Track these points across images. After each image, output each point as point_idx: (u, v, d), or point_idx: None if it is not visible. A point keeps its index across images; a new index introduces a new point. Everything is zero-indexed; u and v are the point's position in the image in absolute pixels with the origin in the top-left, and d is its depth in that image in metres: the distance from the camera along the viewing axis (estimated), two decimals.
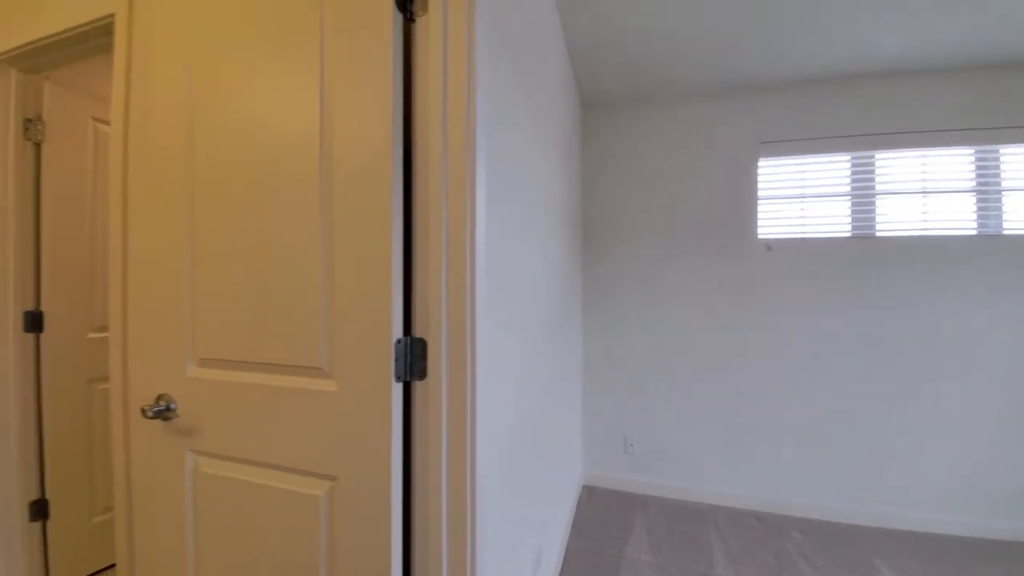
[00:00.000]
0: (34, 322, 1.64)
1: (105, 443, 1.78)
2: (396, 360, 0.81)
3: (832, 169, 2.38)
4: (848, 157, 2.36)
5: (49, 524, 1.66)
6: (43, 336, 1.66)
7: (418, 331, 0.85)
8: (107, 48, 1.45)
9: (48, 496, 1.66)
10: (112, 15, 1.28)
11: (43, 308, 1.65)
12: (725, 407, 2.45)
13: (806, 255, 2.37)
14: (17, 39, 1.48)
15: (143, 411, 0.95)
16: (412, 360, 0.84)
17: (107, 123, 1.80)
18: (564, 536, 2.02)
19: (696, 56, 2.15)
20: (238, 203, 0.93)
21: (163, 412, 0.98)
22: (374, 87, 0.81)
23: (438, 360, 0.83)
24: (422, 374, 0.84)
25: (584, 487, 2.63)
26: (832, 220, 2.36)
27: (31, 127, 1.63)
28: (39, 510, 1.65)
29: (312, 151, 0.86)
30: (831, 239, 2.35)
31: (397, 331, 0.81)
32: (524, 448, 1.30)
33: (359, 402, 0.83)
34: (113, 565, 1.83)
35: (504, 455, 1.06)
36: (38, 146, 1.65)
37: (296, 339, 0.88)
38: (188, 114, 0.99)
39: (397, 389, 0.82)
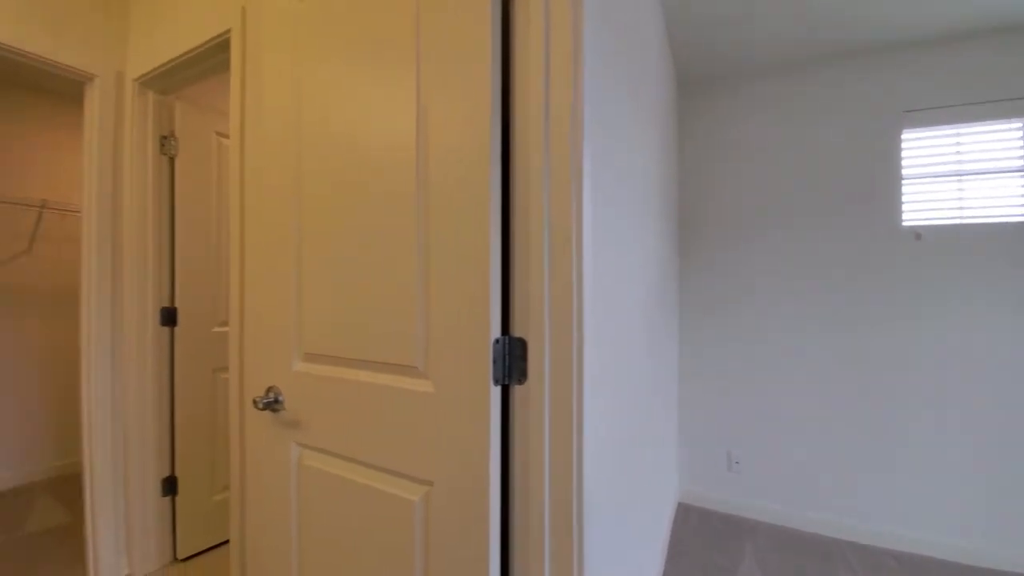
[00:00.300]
0: (169, 317, 1.85)
1: (225, 428, 1.96)
2: (494, 362, 0.74)
3: (998, 140, 1.93)
4: (1020, 124, 1.91)
5: (177, 500, 1.85)
6: (176, 330, 1.86)
7: (517, 330, 0.77)
8: (226, 65, 1.58)
9: (177, 474, 1.85)
10: (229, 30, 1.39)
11: (176, 304, 1.85)
12: (854, 423, 2.10)
13: (965, 244, 1.95)
14: (151, 63, 1.67)
15: (255, 402, 0.99)
16: (511, 361, 0.77)
17: (227, 136, 1.98)
18: (661, 558, 1.84)
19: (818, 9, 1.84)
20: (340, 207, 0.94)
21: (272, 404, 1.02)
22: (472, 80, 0.75)
23: (540, 362, 0.75)
24: (522, 376, 0.76)
25: (680, 505, 2.42)
26: (999, 201, 1.92)
27: (166, 143, 1.84)
28: (170, 486, 1.85)
29: (409, 150, 0.83)
30: (997, 224, 1.91)
31: (495, 330, 0.74)
32: (623, 459, 1.18)
33: (455, 405, 0.77)
34: (227, 541, 2.02)
35: (605, 466, 0.95)
36: (172, 160, 1.86)
37: (393, 337, 0.85)
38: (295, 123, 1.02)
39: (495, 393, 0.75)
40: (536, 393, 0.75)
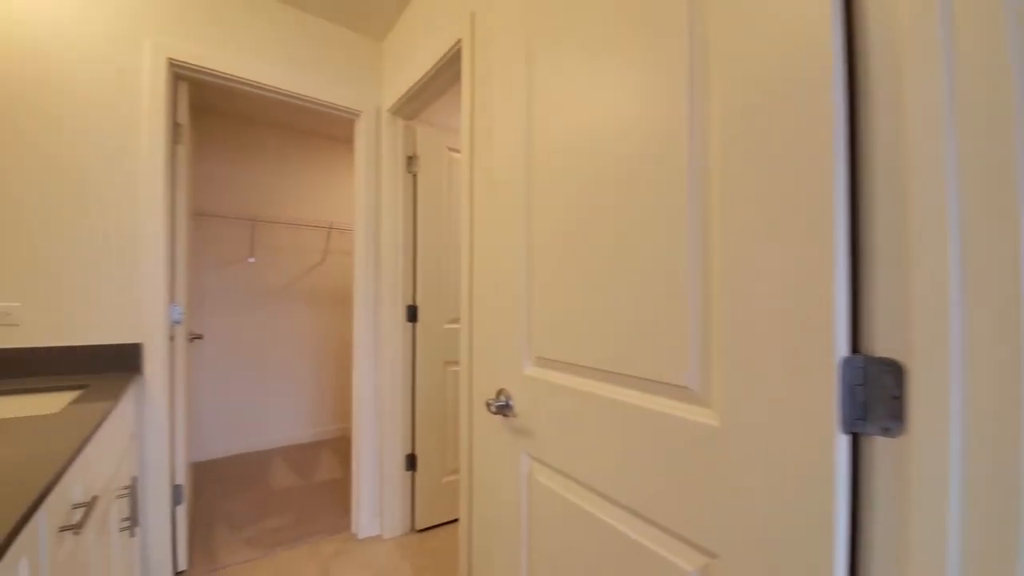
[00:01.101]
0: (412, 314, 2.10)
1: (454, 416, 2.14)
2: (843, 396, 0.46)
3: None
4: None
5: (416, 476, 2.08)
6: (417, 325, 2.10)
7: (880, 348, 0.48)
8: (457, 77, 1.68)
9: (416, 452, 2.08)
10: (459, 41, 1.45)
11: (417, 303, 2.10)
12: None
13: None
14: (397, 93, 1.91)
15: (488, 405, 0.94)
16: (873, 396, 0.47)
17: (457, 150, 2.17)
18: None
19: None
20: (579, 207, 0.80)
21: (503, 408, 0.95)
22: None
23: (939, 401, 0.43)
24: (893, 421, 0.46)
25: None
26: None
27: (411, 162, 2.10)
28: (411, 462, 2.09)
29: (678, 139, 0.63)
30: None
31: (841, 345, 0.47)
32: None
33: (758, 450, 0.53)
34: (455, 520, 2.19)
35: None
36: (415, 177, 2.12)
37: (650, 343, 0.66)
38: (525, 125, 0.94)
39: (842, 444, 0.47)
40: (933, 453, 0.44)
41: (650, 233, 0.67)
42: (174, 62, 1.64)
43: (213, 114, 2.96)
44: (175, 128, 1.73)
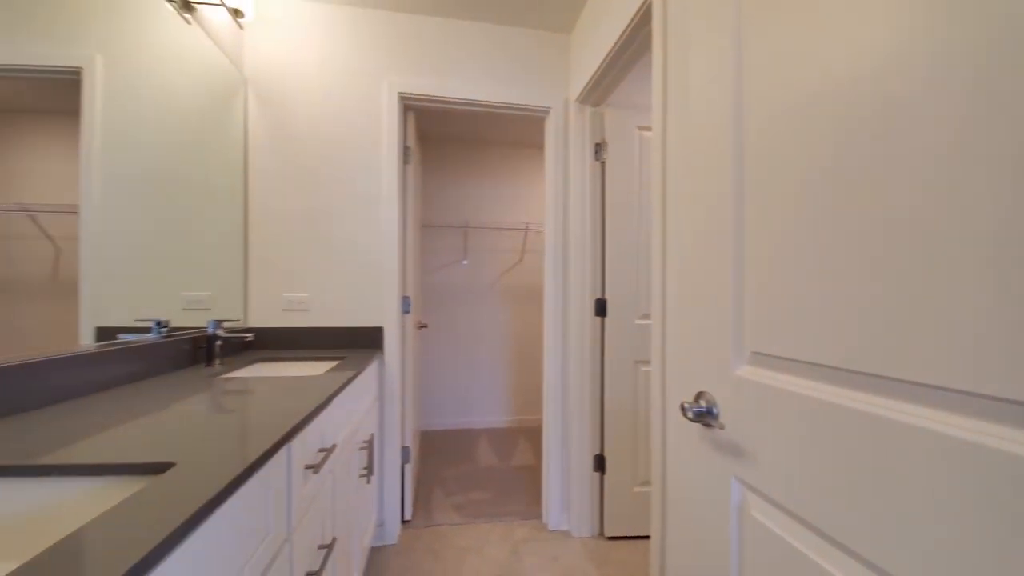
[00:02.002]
0: (600, 308, 2.01)
1: (646, 420, 1.95)
2: None
3: None
4: None
5: (605, 478, 1.97)
6: (606, 320, 1.99)
7: None
8: (646, 46, 1.51)
9: (605, 454, 1.97)
10: (648, 2, 1.28)
11: (606, 296, 1.99)
12: None
13: None
14: (583, 80, 1.83)
15: (683, 408, 0.76)
16: None
17: (648, 129, 1.98)
18: None
19: None
20: (807, 172, 0.56)
21: (703, 415, 0.76)
22: None
23: None
24: None
25: None
26: None
27: (599, 150, 2.01)
28: (599, 463, 1.99)
29: None
30: None
31: None
32: None
33: None
34: (647, 536, 1.98)
35: None
36: (603, 165, 2.02)
37: (955, 332, 0.39)
38: (732, 88, 0.74)
39: None
40: None
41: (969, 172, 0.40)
42: (403, 95, 1.96)
43: (430, 139, 3.51)
44: (405, 150, 2.08)
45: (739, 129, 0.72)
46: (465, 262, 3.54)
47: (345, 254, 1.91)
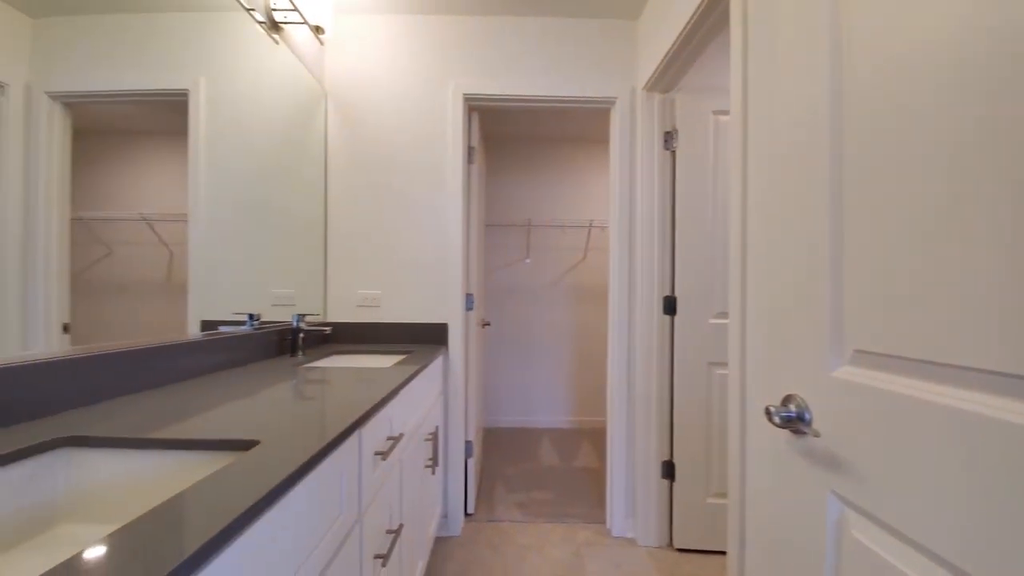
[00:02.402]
0: (669, 306, 1.90)
1: (720, 428, 1.81)
2: None
3: None
4: None
5: (674, 486, 1.86)
6: (675, 319, 1.89)
7: None
8: (723, 22, 1.41)
9: (674, 460, 1.86)
10: None
11: (676, 294, 1.88)
12: None
13: None
14: (652, 66, 1.74)
15: (768, 412, 0.69)
16: None
17: (725, 112, 1.85)
18: None
19: None
20: (936, 142, 0.48)
21: (792, 421, 0.68)
22: None
23: None
24: None
25: None
26: None
27: (668, 139, 1.91)
28: (667, 470, 1.88)
29: None
30: None
31: None
32: None
33: None
34: (722, 552, 1.84)
35: None
36: (673, 154, 1.91)
37: None
38: (831, 52, 0.65)
39: None
40: None
41: None
42: (468, 96, 2.00)
43: (493, 139, 3.55)
44: (469, 151, 2.11)
45: (838, 94, 0.64)
46: (528, 260, 3.54)
47: (412, 253, 1.98)
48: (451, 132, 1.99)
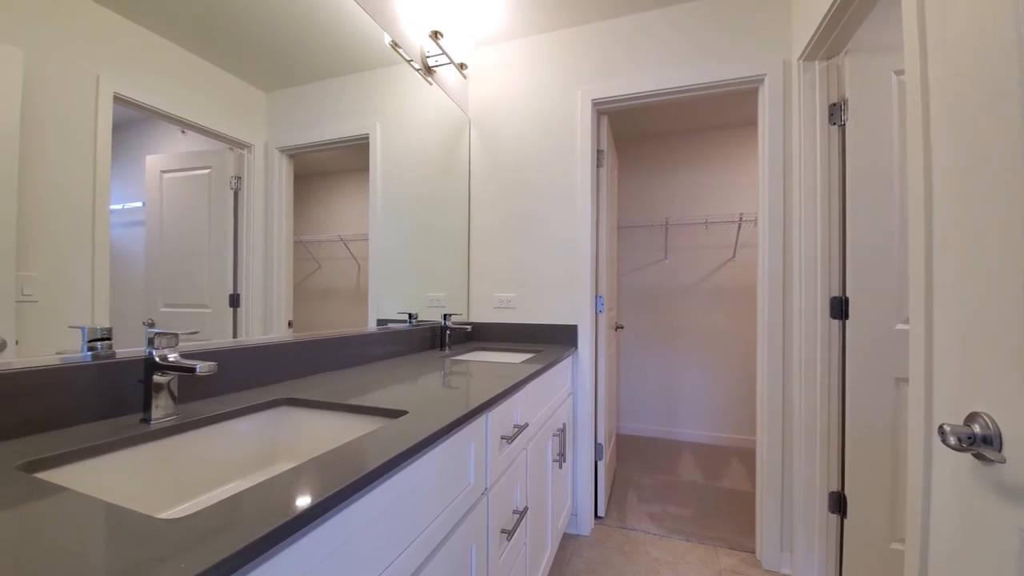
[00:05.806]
0: (839, 308, 1.62)
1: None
2: None
3: None
4: None
5: (846, 523, 1.56)
6: (847, 323, 1.59)
7: None
8: None
9: (846, 493, 1.56)
10: None
11: (847, 294, 1.59)
12: None
13: None
14: (808, 32, 1.51)
15: (942, 432, 0.57)
16: None
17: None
18: None
19: None
20: None
21: (975, 442, 0.55)
22: None
23: None
24: None
25: None
26: None
27: (835, 112, 1.63)
28: (836, 503, 1.59)
29: None
30: None
31: None
32: None
33: None
34: None
35: None
36: (841, 129, 1.63)
37: None
38: None
39: None
40: None
41: None
42: (596, 101, 2.04)
43: (625, 141, 3.46)
44: (598, 154, 2.14)
45: None
46: (666, 260, 3.35)
47: (544, 257, 2.09)
48: (580, 137, 2.04)
